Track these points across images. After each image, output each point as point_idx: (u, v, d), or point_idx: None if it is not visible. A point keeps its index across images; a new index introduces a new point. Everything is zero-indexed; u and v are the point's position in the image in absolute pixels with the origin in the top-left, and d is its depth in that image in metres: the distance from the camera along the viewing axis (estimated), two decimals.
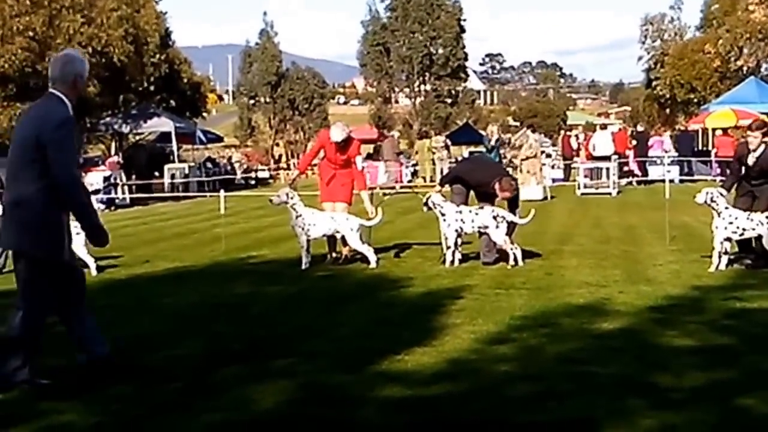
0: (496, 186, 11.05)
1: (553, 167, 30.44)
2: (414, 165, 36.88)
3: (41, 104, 5.70)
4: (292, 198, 11.25)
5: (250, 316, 8.06)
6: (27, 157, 5.49)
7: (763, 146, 10.38)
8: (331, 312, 8.14)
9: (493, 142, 25.11)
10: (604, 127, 30.88)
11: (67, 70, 5.65)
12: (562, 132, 37.99)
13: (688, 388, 5.30)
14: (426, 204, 11.25)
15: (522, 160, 24.19)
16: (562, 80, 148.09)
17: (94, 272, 10.94)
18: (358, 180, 11.86)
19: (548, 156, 30.19)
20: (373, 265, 11.04)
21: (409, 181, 33.32)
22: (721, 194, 10.28)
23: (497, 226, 10.84)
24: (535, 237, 12.99)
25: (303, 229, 11.13)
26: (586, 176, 26.69)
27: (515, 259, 10.77)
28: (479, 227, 11.01)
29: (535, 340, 6.72)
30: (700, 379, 5.51)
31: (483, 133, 50.25)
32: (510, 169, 19.94)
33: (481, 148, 41.12)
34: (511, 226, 11.01)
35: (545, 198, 23.35)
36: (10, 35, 25.78)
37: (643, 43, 56.04)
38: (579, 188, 26.30)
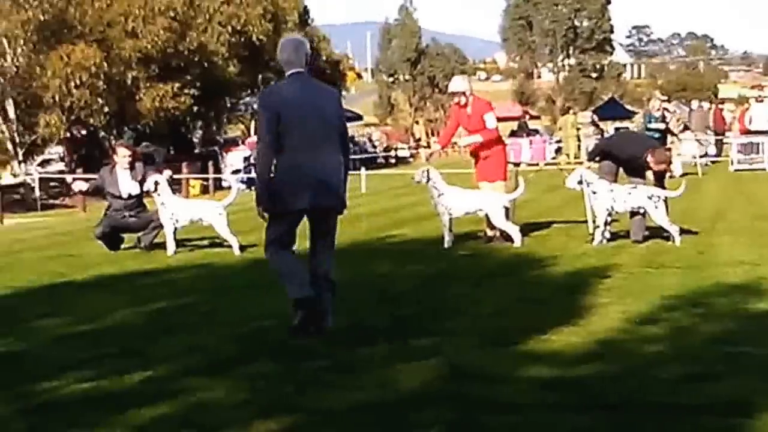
0: (650, 158, 10.66)
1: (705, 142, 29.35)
2: (558, 141, 36.29)
3: (316, 84, 6.75)
4: (431, 176, 11.11)
5: (392, 294, 8.04)
6: (332, 126, 6.47)
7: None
8: (474, 291, 8.06)
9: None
10: (761, 99, 29.53)
11: (301, 52, 6.50)
12: (713, 105, 36.57)
13: None
14: (579, 181, 10.94)
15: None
16: (713, 52, 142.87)
17: (237, 251, 11.13)
18: (483, 134, 11.28)
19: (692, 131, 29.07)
20: (517, 243, 10.87)
21: (553, 158, 32.83)
22: None
23: (656, 206, 10.43)
24: (686, 214, 12.56)
25: (445, 207, 11.04)
26: (739, 152, 25.78)
27: (673, 238, 10.35)
28: (632, 207, 10.66)
29: (687, 320, 6.48)
30: None
31: (630, 108, 49.17)
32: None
33: (627, 124, 40.20)
34: (666, 203, 10.63)
35: (684, 174, 22.58)
36: (152, 15, 26.45)
37: None
38: (732, 164, 25.43)
